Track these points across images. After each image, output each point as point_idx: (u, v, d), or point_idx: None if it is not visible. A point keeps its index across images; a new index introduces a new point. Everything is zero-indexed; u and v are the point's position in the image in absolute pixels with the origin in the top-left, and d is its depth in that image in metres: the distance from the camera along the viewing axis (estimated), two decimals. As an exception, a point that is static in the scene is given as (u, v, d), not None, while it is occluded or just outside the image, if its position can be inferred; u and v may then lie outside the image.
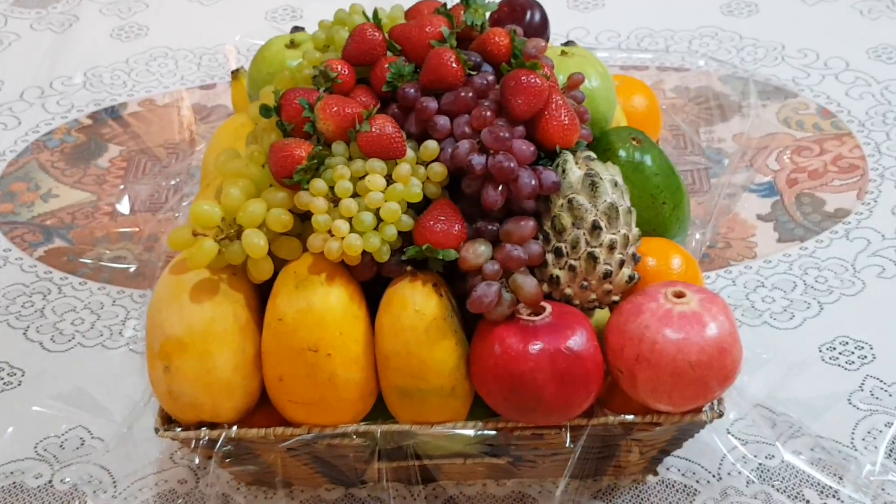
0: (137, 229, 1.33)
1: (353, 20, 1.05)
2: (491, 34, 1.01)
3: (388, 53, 1.01)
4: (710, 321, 0.93)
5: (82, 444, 1.10)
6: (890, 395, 1.11)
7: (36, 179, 1.41)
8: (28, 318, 1.23)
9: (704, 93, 1.48)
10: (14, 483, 1.07)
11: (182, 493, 1.05)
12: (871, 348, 1.15)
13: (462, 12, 1.04)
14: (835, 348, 1.16)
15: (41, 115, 1.50)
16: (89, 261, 1.29)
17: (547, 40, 1.13)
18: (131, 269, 1.28)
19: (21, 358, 1.19)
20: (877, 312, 1.19)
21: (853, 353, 1.15)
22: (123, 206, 1.36)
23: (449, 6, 1.05)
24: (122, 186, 1.37)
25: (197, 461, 0.97)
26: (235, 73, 1.21)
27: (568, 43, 1.14)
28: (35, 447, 1.10)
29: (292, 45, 1.13)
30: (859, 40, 1.57)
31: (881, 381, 1.12)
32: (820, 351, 1.16)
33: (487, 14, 1.05)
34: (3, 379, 1.17)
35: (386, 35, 1.01)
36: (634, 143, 1.05)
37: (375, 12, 1.03)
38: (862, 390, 1.11)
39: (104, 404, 1.13)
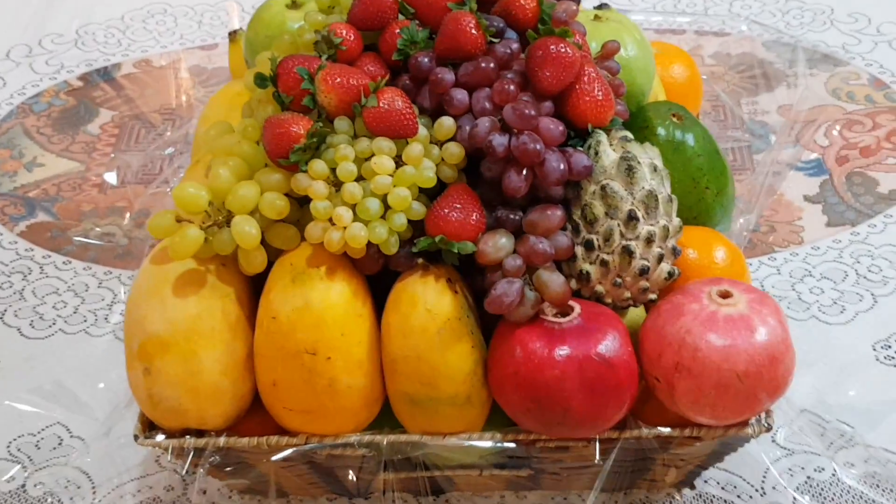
0: (127, 203, 1.22)
1: (364, -26, 0.93)
2: (516, -4, 0.89)
3: (400, 17, 0.90)
4: (761, 326, 0.82)
5: (60, 444, 1.00)
6: (951, 403, 1.00)
7: (20, 146, 1.30)
8: (6, 300, 1.13)
9: (747, 60, 1.37)
10: (-17, 487, 0.97)
11: (168, 501, 0.95)
12: (932, 348, 1.05)
13: (484, -30, 0.92)
14: (890, 346, 1.05)
15: (28, 76, 1.39)
16: (75, 237, 1.18)
17: (578, 3, 1.01)
18: (120, 248, 1.17)
19: (-3, 345, 1.09)
20: (937, 307, 1.08)
21: (911, 353, 1.04)
22: (113, 178, 1.25)
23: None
24: (112, 156, 1.26)
25: (185, 469, 0.87)
26: (233, 35, 1.10)
27: (601, 6, 1.03)
28: (8, 446, 1.00)
29: (294, 5, 1.02)
30: (915, 4, 1.44)
31: (943, 385, 1.01)
32: (874, 350, 1.05)
33: (511, -27, 0.93)
34: (-23, 369, 1.06)
35: (398, -5, 0.90)
36: (675, 119, 0.94)
37: (386, -31, 0.91)
38: (921, 395, 1.01)
39: (85, 400, 1.03)
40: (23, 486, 0.97)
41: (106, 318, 1.11)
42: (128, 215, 1.20)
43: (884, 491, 0.93)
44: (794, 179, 1.22)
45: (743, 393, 0.81)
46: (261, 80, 0.88)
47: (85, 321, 1.11)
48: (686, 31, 1.37)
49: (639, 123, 0.94)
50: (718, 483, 0.96)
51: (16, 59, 1.42)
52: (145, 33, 1.46)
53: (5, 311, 1.12)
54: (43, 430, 1.01)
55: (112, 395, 1.02)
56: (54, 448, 1.00)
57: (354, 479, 0.91)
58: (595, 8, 1.02)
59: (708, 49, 1.37)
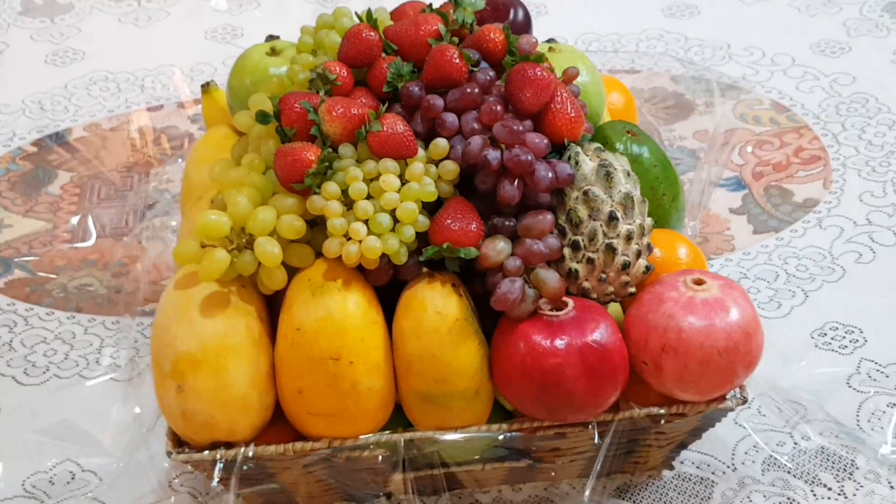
0: (100, 255, 1.28)
1: (342, 23, 1.02)
2: (485, 31, 0.99)
3: (384, 54, 0.99)
4: (734, 306, 0.92)
5: (73, 479, 1.05)
6: (888, 377, 1.12)
7: (-15, 211, 1.34)
8: (-4, 352, 1.17)
9: (659, 93, 1.49)
10: (6, 523, 1.01)
11: (186, 521, 1.01)
12: (862, 332, 1.16)
13: (451, 11, 1.02)
14: (826, 334, 1.16)
15: (-19, 145, 1.44)
16: (54, 289, 1.23)
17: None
18: (100, 296, 1.22)
19: (-6, 394, 1.13)
20: (861, 297, 1.20)
21: (844, 337, 1.16)
22: (83, 234, 1.30)
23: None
24: (79, 216, 1.32)
25: (213, 484, 0.93)
26: (206, 87, 1.17)
27: (550, 40, 1.13)
28: (23, 484, 1.04)
29: (273, 52, 1.10)
30: (801, 36, 1.59)
31: (877, 363, 1.13)
32: (812, 338, 1.16)
33: (474, 14, 1.03)
34: (-23, 417, 1.10)
35: (381, 35, 0.99)
36: (630, 135, 1.05)
37: (369, 12, 1.00)
38: (859, 373, 1.12)
39: (92, 436, 1.07)
40: (43, 520, 1.01)
41: (97, 361, 1.16)
42: (104, 266, 1.25)
43: (842, 457, 1.04)
44: (718, 195, 1.33)
45: (723, 367, 0.91)
46: (263, 117, 0.96)
47: (77, 365, 1.15)
48: (600, 69, 1.48)
49: (599, 140, 1.04)
50: (693, 463, 1.05)
51: (-34, 130, 1.46)
52: (90, 99, 1.51)
53: (-3, 361, 1.16)
54: (55, 466, 1.06)
55: (117, 429, 1.07)
56: (68, 482, 1.04)
57: (370, 480, 0.97)
58: (546, 41, 1.12)
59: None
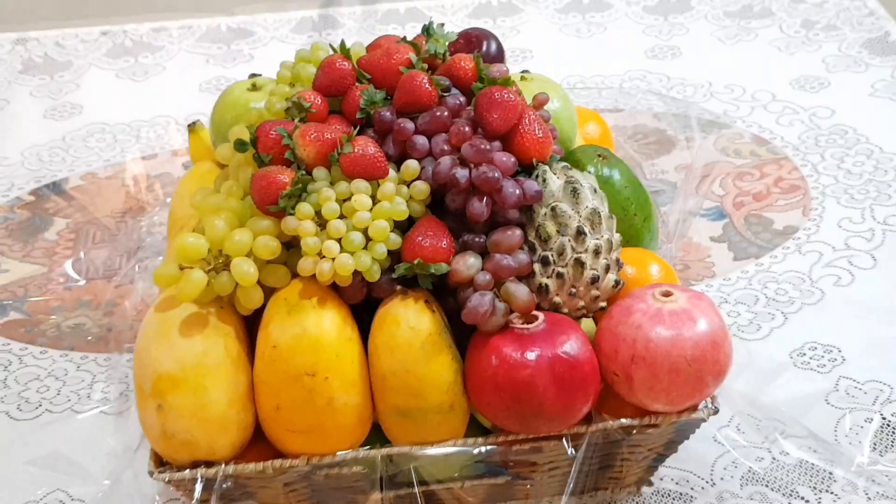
0: (93, 297, 1.30)
1: (318, 56, 1.06)
2: (456, 59, 1.02)
3: (357, 84, 1.02)
4: (701, 316, 0.94)
5: (63, 508, 1.06)
6: (865, 393, 1.13)
7: (-17, 257, 1.38)
8: (-10, 389, 1.20)
9: (642, 130, 1.52)
10: (-5, 551, 1.03)
11: (173, 543, 1.02)
12: (840, 351, 1.18)
13: (424, 42, 1.05)
14: (805, 353, 1.18)
15: (-20, 196, 1.48)
16: (48, 329, 1.26)
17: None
18: (92, 335, 1.25)
19: (-12, 429, 1.15)
20: (840, 318, 1.22)
21: (823, 356, 1.17)
22: (77, 276, 1.33)
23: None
24: (77, 256, 1.35)
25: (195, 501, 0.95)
26: (192, 127, 1.21)
27: (524, 71, 1.17)
28: (14, 514, 1.06)
29: (254, 88, 1.14)
30: (781, 73, 1.62)
31: (854, 380, 1.15)
32: (791, 357, 1.18)
33: (447, 44, 1.07)
34: (-29, 451, 1.13)
35: (354, 65, 1.02)
36: (601, 158, 1.07)
37: (342, 44, 1.04)
38: (837, 390, 1.14)
39: (81, 466, 1.09)
40: (32, 548, 1.03)
41: (88, 396, 1.18)
42: (97, 306, 1.28)
43: (819, 471, 1.05)
44: (699, 224, 1.36)
45: (692, 376, 0.93)
46: (241, 145, 0.99)
47: (69, 400, 1.18)
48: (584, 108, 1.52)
49: (570, 163, 1.06)
50: (673, 479, 1.06)
51: (-34, 182, 1.50)
52: (87, 150, 1.55)
53: (-9, 398, 1.18)
54: (45, 496, 1.08)
55: (106, 460, 1.09)
56: (57, 512, 1.06)
57: (350, 500, 0.99)
58: (521, 72, 1.15)
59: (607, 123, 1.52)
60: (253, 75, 1.18)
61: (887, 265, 1.28)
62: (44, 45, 1.78)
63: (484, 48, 1.12)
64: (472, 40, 1.12)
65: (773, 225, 1.35)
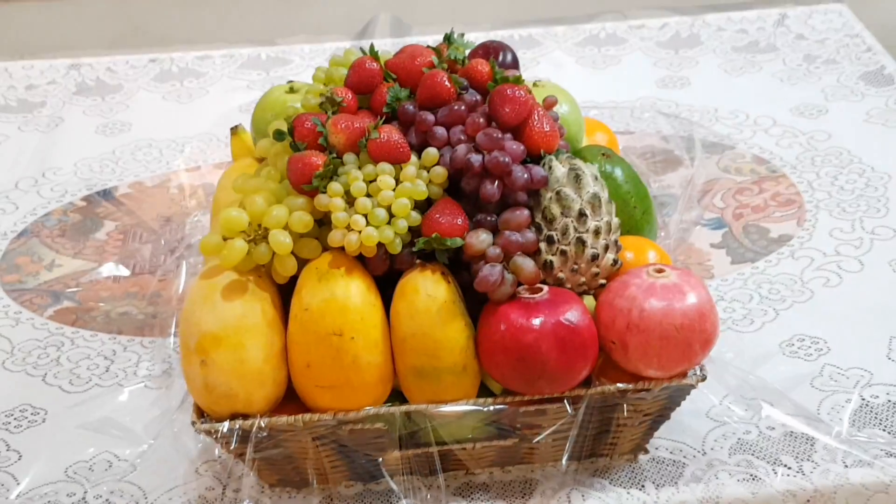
0: (139, 289, 1.42)
1: (350, 60, 1.18)
2: (474, 63, 1.14)
3: (384, 82, 1.14)
4: (690, 291, 1.05)
5: (110, 467, 1.17)
6: (847, 378, 1.22)
7: (38, 253, 1.50)
8: (45, 366, 1.31)
9: (650, 150, 1.63)
10: (49, 501, 1.13)
11: (211, 499, 1.12)
12: (826, 342, 1.28)
13: (445, 49, 1.17)
14: (793, 344, 1.28)
15: (37, 200, 1.60)
16: (98, 316, 1.37)
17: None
18: (138, 321, 1.36)
19: (42, 400, 1.26)
20: (827, 314, 1.32)
21: (810, 346, 1.27)
22: (125, 270, 1.45)
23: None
24: (124, 253, 1.47)
25: (233, 446, 1.06)
26: (234, 129, 1.33)
27: (537, 80, 1.28)
28: (65, 471, 1.16)
29: (291, 90, 1.26)
30: (783, 101, 1.73)
31: (838, 367, 1.24)
32: (780, 347, 1.28)
33: (466, 52, 1.19)
34: (27, 418, 1.24)
35: (382, 66, 1.14)
36: (604, 157, 1.19)
37: (372, 47, 1.16)
38: (822, 375, 1.23)
39: (127, 430, 1.20)
40: (83, 498, 1.14)
41: (135, 373, 1.29)
42: (142, 297, 1.39)
43: (802, 441, 1.15)
44: (700, 233, 1.46)
45: (681, 343, 1.04)
46: (279, 135, 1.11)
47: (117, 377, 1.29)
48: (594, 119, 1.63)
49: (576, 161, 1.18)
50: (667, 449, 1.16)
51: (24, 189, 1.63)
52: (135, 162, 1.68)
53: (45, 374, 1.29)
54: (94, 457, 1.18)
55: (151, 424, 1.20)
56: (106, 469, 1.16)
57: (372, 455, 1.09)
58: (534, 81, 1.27)
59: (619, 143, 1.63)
60: (290, 82, 1.30)
61: (873, 269, 1.38)
62: (96, 70, 1.92)
63: (500, 58, 1.23)
64: (489, 51, 1.23)
65: (769, 234, 1.46)
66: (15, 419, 1.23)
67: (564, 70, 1.84)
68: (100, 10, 2.54)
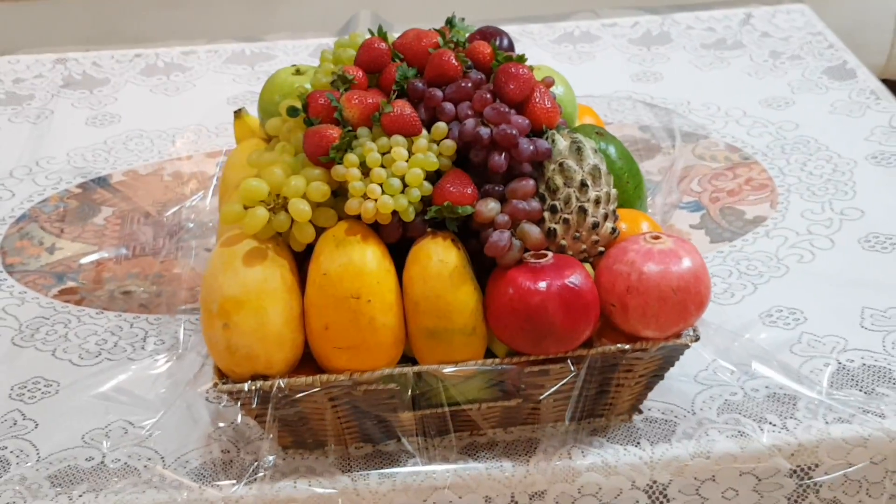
0: (140, 269, 1.46)
1: (357, 42, 1.23)
2: (476, 45, 1.20)
3: (393, 62, 1.20)
4: (685, 255, 1.12)
5: (126, 433, 1.21)
6: (824, 344, 1.30)
7: (39, 237, 1.54)
8: (53, 342, 1.35)
9: (629, 139, 1.70)
10: (68, 465, 1.17)
11: (227, 460, 1.17)
12: (803, 312, 1.35)
13: (448, 32, 1.23)
14: (772, 315, 1.35)
15: (33, 188, 1.64)
16: (102, 296, 1.42)
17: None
18: (142, 299, 1.41)
19: (54, 373, 1.30)
20: (803, 287, 1.39)
21: (788, 316, 1.34)
22: (125, 252, 1.49)
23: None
24: (124, 235, 1.51)
25: (239, 418, 1.11)
26: (238, 113, 1.38)
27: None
28: (83, 437, 1.21)
29: (298, 72, 1.32)
30: (751, 94, 1.82)
31: (815, 335, 1.31)
32: (760, 317, 1.35)
33: (467, 35, 1.25)
34: (40, 389, 1.27)
35: (390, 46, 1.20)
36: (598, 135, 1.25)
37: (380, 28, 1.22)
38: (800, 342, 1.30)
39: (142, 397, 1.24)
40: (102, 462, 1.18)
41: (143, 347, 1.33)
42: (145, 277, 1.44)
43: (784, 400, 1.22)
44: (679, 215, 1.53)
45: (677, 304, 1.10)
46: (293, 111, 1.16)
47: (125, 351, 1.33)
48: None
49: (572, 138, 1.24)
50: (659, 410, 1.22)
51: (19, 177, 1.66)
52: (127, 152, 1.72)
53: (55, 349, 1.33)
54: (110, 424, 1.22)
55: (164, 395, 1.24)
56: (122, 436, 1.21)
57: (384, 416, 1.15)
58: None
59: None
60: (294, 65, 1.35)
61: (844, 247, 1.46)
62: (82, 64, 1.96)
63: (497, 42, 1.29)
64: (486, 36, 1.29)
65: (744, 216, 1.53)
66: (28, 391, 1.27)
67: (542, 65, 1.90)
68: (78, 10, 2.57)
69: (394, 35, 1.26)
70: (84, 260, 1.49)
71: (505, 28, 1.28)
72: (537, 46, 1.98)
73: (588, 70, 1.92)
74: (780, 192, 1.58)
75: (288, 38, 2.02)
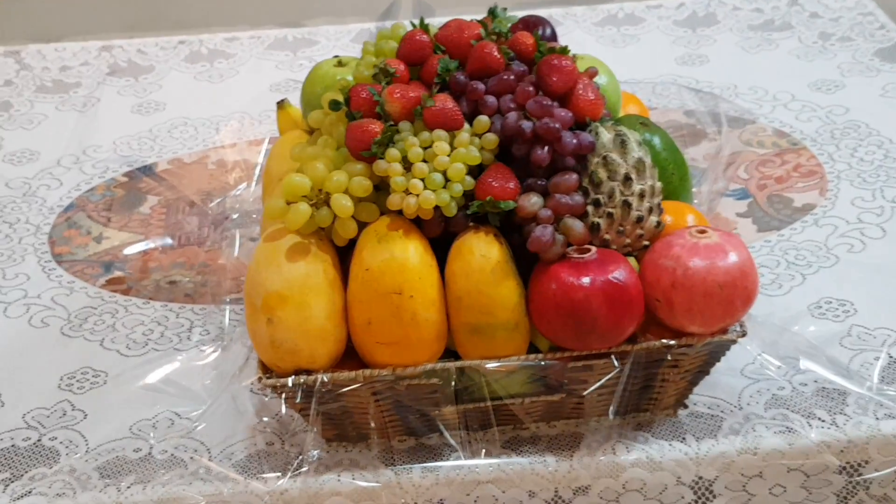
0: (186, 259, 1.47)
1: (399, 34, 1.23)
2: (518, 36, 1.19)
3: (434, 54, 1.19)
4: (732, 250, 1.10)
5: (172, 424, 1.22)
6: (875, 338, 1.28)
7: (86, 227, 1.55)
8: (101, 332, 1.35)
9: (674, 124, 1.68)
10: (117, 456, 1.18)
11: (272, 452, 1.18)
12: (853, 304, 1.33)
13: (490, 23, 1.22)
14: (821, 307, 1.33)
15: (80, 177, 1.65)
16: (149, 285, 1.42)
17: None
18: (188, 289, 1.41)
19: (102, 363, 1.31)
20: (853, 278, 1.37)
21: (838, 308, 1.33)
22: (171, 242, 1.50)
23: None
24: (170, 224, 1.52)
25: (283, 410, 1.11)
26: (281, 104, 1.38)
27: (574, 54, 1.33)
28: (130, 428, 1.21)
29: (340, 64, 1.31)
30: (800, 77, 1.79)
31: (865, 327, 1.29)
32: (808, 309, 1.33)
33: (509, 25, 1.24)
34: (88, 380, 1.28)
35: (431, 38, 1.19)
36: (643, 126, 1.24)
37: (422, 20, 1.21)
38: (850, 336, 1.28)
39: (187, 389, 1.25)
40: (149, 453, 1.19)
41: (188, 338, 1.34)
42: (190, 267, 1.44)
43: (834, 395, 1.20)
44: (725, 203, 1.52)
45: (724, 300, 1.09)
46: (335, 105, 1.16)
47: (171, 341, 1.34)
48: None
49: (616, 129, 1.23)
50: (705, 405, 1.21)
51: (66, 166, 1.67)
52: (172, 140, 1.73)
53: (103, 339, 1.34)
54: (157, 415, 1.23)
55: (210, 385, 1.25)
56: (168, 427, 1.21)
57: (427, 410, 1.15)
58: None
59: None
60: (336, 56, 1.35)
61: (895, 236, 1.44)
62: (127, 52, 1.97)
63: (540, 32, 1.28)
64: (529, 25, 1.28)
65: (793, 203, 1.51)
66: (77, 381, 1.28)
67: (585, 49, 1.86)
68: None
69: (435, 20, 1.25)
70: (130, 250, 1.50)
71: (548, 11, 1.27)
72: (580, 29, 1.96)
73: (632, 53, 1.90)
74: (829, 179, 1.56)
75: (330, 24, 2.01)
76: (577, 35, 1.95)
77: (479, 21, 1.21)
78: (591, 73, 1.19)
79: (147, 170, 1.66)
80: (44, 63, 1.95)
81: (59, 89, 1.88)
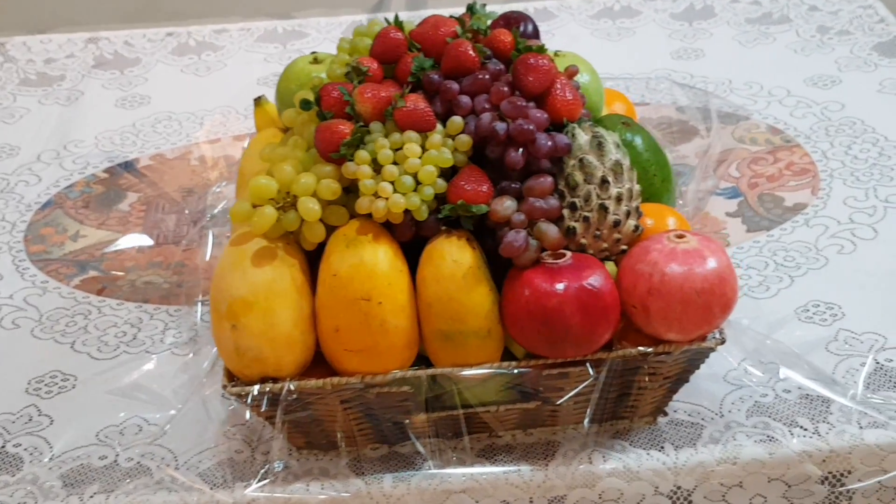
0: (163, 258, 1.44)
1: (374, 30, 1.20)
2: (496, 33, 1.16)
3: (408, 52, 1.16)
4: (710, 256, 1.07)
5: (140, 431, 1.19)
6: (862, 343, 1.25)
7: (63, 224, 1.52)
8: (73, 334, 1.33)
9: (665, 121, 1.65)
10: (81, 464, 1.15)
11: (240, 461, 1.15)
12: (841, 308, 1.30)
13: (468, 20, 1.19)
14: (808, 310, 1.30)
15: (59, 172, 1.62)
16: (124, 285, 1.40)
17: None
18: (163, 290, 1.39)
19: (71, 366, 1.28)
20: (842, 280, 1.34)
21: (825, 312, 1.29)
22: (148, 240, 1.47)
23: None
24: (147, 223, 1.49)
25: (248, 417, 1.08)
26: (258, 100, 1.35)
27: (556, 51, 1.30)
28: (97, 435, 1.19)
29: (315, 61, 1.28)
30: (796, 72, 1.75)
31: (853, 332, 1.26)
32: (795, 312, 1.30)
33: (489, 22, 1.20)
34: (57, 384, 1.26)
35: (406, 36, 1.16)
36: (625, 125, 1.20)
37: (396, 17, 1.18)
38: (837, 340, 1.25)
39: (156, 395, 1.22)
40: (115, 461, 1.16)
41: (161, 340, 1.31)
42: (167, 266, 1.42)
43: (817, 403, 1.17)
44: (716, 202, 1.48)
45: (701, 307, 1.06)
46: (305, 104, 1.13)
47: (144, 344, 1.31)
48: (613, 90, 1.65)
49: (597, 129, 1.19)
50: (685, 412, 1.18)
51: (46, 161, 1.65)
52: (155, 135, 1.70)
53: (74, 341, 1.32)
54: (124, 421, 1.20)
55: (180, 390, 1.22)
56: (136, 434, 1.19)
57: (398, 418, 1.12)
58: (554, 52, 1.29)
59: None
60: (313, 53, 1.32)
61: (887, 236, 1.40)
62: (114, 43, 1.94)
63: (521, 28, 1.25)
64: (510, 20, 1.25)
65: (784, 202, 1.48)
66: (45, 385, 1.26)
67: (580, 42, 1.85)
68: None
69: (427, 13, 1.22)
70: (107, 249, 1.47)
71: (543, 3, 1.23)
72: (576, 22, 1.93)
73: (627, 47, 1.87)
74: (822, 177, 1.52)
75: (321, 16, 1.98)
76: (571, 28, 1.92)
77: (456, 18, 1.18)
78: (571, 71, 1.16)
79: (128, 166, 1.63)
80: (28, 55, 1.92)
81: (42, 82, 1.85)
